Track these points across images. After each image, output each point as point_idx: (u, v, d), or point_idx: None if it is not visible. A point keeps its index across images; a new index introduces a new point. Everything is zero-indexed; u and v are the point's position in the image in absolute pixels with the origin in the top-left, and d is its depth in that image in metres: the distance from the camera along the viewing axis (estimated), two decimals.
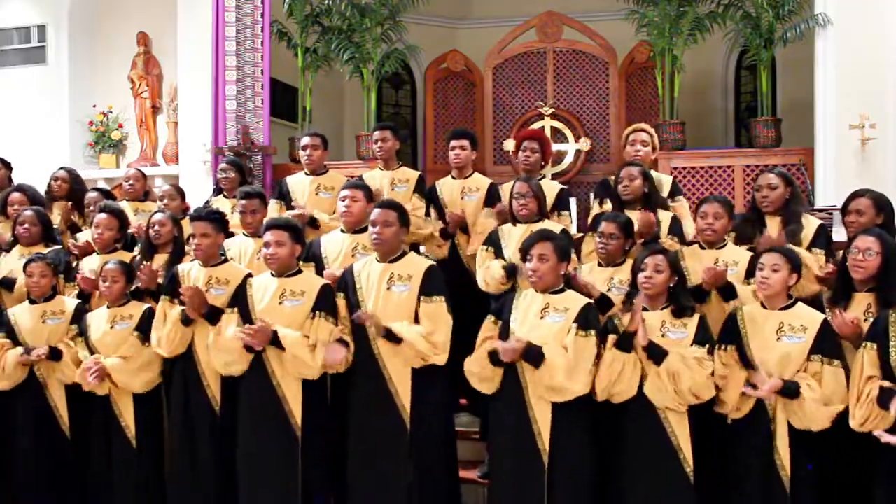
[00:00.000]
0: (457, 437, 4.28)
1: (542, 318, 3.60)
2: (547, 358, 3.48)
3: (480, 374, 3.70)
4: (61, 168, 5.91)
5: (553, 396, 3.51)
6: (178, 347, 4.02)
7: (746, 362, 3.48)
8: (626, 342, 3.50)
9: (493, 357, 3.62)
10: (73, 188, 5.62)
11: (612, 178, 4.78)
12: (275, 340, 3.76)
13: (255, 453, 3.84)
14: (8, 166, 5.94)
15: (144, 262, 4.42)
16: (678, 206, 4.81)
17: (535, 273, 3.63)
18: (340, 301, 3.91)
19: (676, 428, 3.49)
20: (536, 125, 8.15)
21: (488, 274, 4.35)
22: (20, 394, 4.16)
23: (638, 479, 3.51)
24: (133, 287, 4.31)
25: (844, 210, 4.06)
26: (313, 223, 4.92)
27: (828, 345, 3.40)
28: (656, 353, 3.46)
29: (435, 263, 3.95)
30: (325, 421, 3.92)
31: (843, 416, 3.37)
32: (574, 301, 3.64)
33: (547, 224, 4.36)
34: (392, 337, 3.70)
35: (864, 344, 3.35)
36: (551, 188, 4.91)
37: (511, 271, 4.29)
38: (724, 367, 3.49)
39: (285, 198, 5.26)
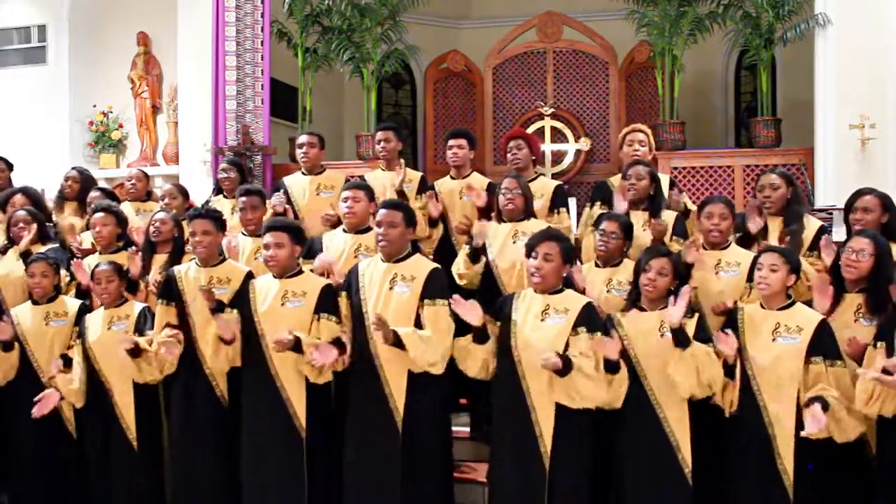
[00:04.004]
0: (457, 437, 4.29)
1: (542, 319, 3.60)
2: (575, 367, 3.45)
3: (471, 363, 3.71)
4: (73, 168, 5.90)
5: (579, 403, 3.48)
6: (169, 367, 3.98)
7: (741, 361, 3.47)
8: (613, 366, 3.48)
9: (476, 335, 3.65)
10: (83, 189, 5.60)
11: (614, 178, 4.79)
12: (297, 347, 3.72)
13: (260, 454, 3.84)
14: (10, 166, 5.94)
15: (130, 250, 4.42)
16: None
17: (537, 272, 3.62)
18: (343, 301, 3.91)
19: (675, 428, 3.50)
20: (536, 125, 8.17)
21: (457, 265, 4.37)
22: (25, 393, 4.15)
23: (636, 478, 3.52)
24: (125, 284, 4.30)
25: (849, 207, 4.04)
26: None
27: (827, 346, 3.41)
28: (682, 338, 3.42)
29: (439, 267, 3.92)
30: (330, 421, 3.92)
31: None
32: (573, 301, 3.64)
33: (534, 223, 4.36)
34: (399, 344, 3.66)
35: (872, 344, 3.37)
36: (547, 186, 4.91)
37: (474, 256, 4.29)
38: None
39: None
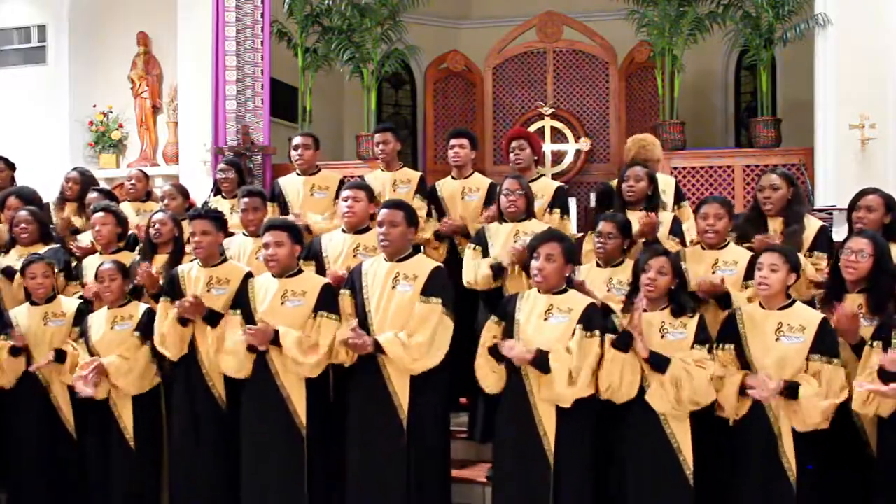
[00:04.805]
0: (457, 437, 4.28)
1: (546, 319, 3.60)
2: (552, 367, 3.47)
3: (486, 374, 3.70)
4: (74, 169, 5.90)
5: (558, 402, 3.51)
6: (182, 349, 4.01)
7: (745, 363, 3.48)
8: (622, 342, 3.49)
9: (495, 353, 3.64)
10: (84, 189, 5.60)
11: (615, 181, 4.79)
12: (276, 340, 3.76)
13: (260, 453, 3.84)
14: (11, 166, 5.93)
15: (142, 263, 4.41)
16: (682, 212, 4.82)
17: (540, 272, 3.62)
18: (347, 299, 3.90)
19: (677, 430, 3.50)
20: (536, 125, 8.16)
21: (477, 272, 4.35)
22: (24, 393, 4.15)
23: (638, 480, 3.51)
24: (131, 286, 4.31)
25: (853, 206, 4.05)
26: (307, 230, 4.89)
27: (826, 344, 3.41)
28: (659, 363, 3.45)
29: (441, 265, 3.93)
30: (330, 419, 3.92)
31: (842, 417, 3.39)
32: (577, 301, 3.63)
33: (535, 223, 4.36)
34: (380, 350, 3.69)
35: (870, 343, 3.37)
36: (549, 186, 4.91)
37: (498, 271, 4.29)
38: (721, 368, 3.50)
39: (278, 199, 5.25)
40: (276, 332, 3.77)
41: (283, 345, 3.76)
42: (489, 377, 3.71)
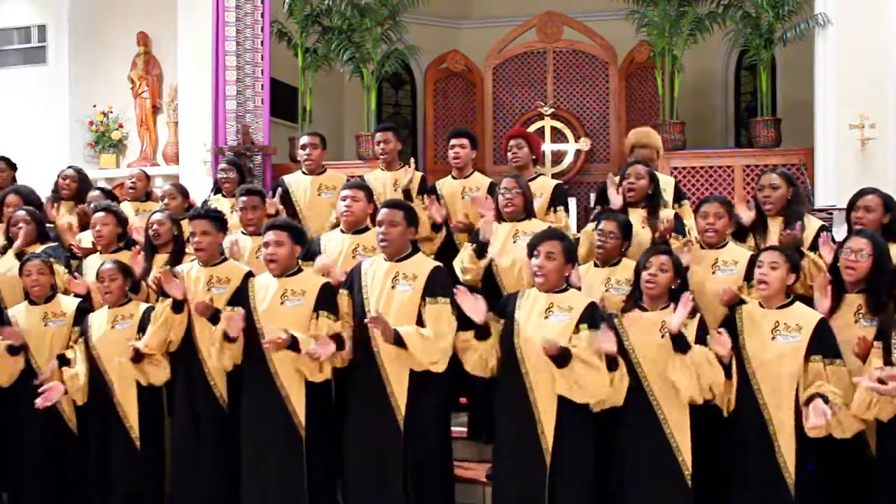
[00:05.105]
0: (457, 437, 4.28)
1: (546, 317, 3.60)
2: (574, 357, 3.45)
3: (469, 356, 3.69)
4: (69, 167, 5.88)
5: (579, 395, 3.48)
6: (169, 336, 3.97)
7: (740, 359, 3.48)
8: (611, 363, 3.47)
9: (478, 331, 3.63)
10: (81, 188, 5.60)
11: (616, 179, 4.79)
12: (293, 345, 3.72)
13: (260, 453, 3.84)
14: (13, 167, 5.93)
15: (137, 249, 4.40)
16: (683, 211, 4.82)
17: (540, 270, 3.62)
18: (345, 298, 3.90)
19: (676, 430, 3.49)
20: (536, 125, 8.16)
21: (463, 256, 4.36)
22: (26, 392, 4.15)
23: (636, 481, 3.51)
24: (130, 285, 4.31)
25: (852, 206, 4.05)
26: None
27: (826, 345, 3.41)
28: (682, 344, 3.42)
29: (441, 265, 3.93)
30: (330, 419, 3.92)
31: None
32: (577, 300, 3.64)
33: (535, 222, 4.36)
34: (400, 342, 3.66)
35: (872, 344, 3.37)
36: (547, 185, 4.91)
37: (481, 251, 4.29)
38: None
39: (284, 197, 5.24)
40: (294, 337, 3.71)
41: (301, 353, 3.73)
42: (471, 361, 3.71)
